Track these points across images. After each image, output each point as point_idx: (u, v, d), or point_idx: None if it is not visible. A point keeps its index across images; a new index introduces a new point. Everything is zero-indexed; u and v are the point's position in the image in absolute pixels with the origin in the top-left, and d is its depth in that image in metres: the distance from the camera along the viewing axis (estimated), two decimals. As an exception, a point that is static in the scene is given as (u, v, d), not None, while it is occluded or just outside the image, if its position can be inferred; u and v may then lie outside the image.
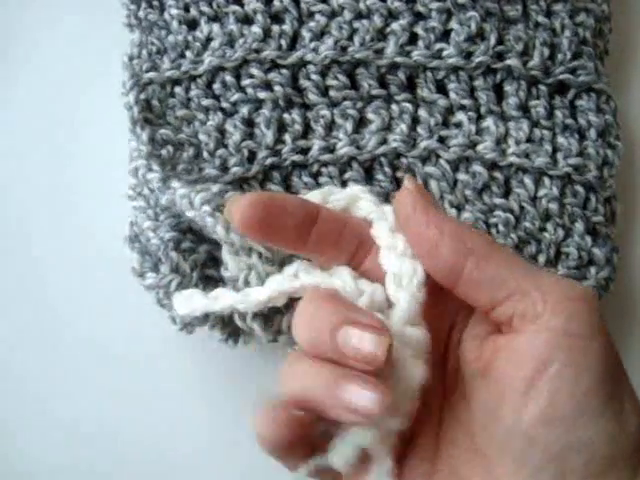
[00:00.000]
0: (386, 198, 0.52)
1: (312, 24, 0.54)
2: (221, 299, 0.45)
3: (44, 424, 0.55)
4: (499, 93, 0.55)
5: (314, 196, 0.45)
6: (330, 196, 0.45)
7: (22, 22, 0.62)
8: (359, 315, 0.38)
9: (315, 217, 0.42)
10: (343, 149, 0.53)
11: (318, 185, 0.53)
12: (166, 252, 0.49)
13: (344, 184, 0.53)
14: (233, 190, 0.48)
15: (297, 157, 0.52)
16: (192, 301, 0.46)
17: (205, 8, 0.54)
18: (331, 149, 0.53)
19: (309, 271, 0.43)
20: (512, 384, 0.37)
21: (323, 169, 0.53)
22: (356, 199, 0.44)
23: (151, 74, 0.53)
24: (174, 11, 0.55)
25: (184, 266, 0.49)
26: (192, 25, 0.55)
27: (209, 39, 0.54)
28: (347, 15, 0.54)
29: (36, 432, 0.55)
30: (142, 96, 0.53)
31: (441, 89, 0.54)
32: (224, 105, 0.53)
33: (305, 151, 0.53)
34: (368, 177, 0.53)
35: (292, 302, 0.43)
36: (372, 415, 0.36)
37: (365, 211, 0.44)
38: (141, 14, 0.55)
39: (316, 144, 0.53)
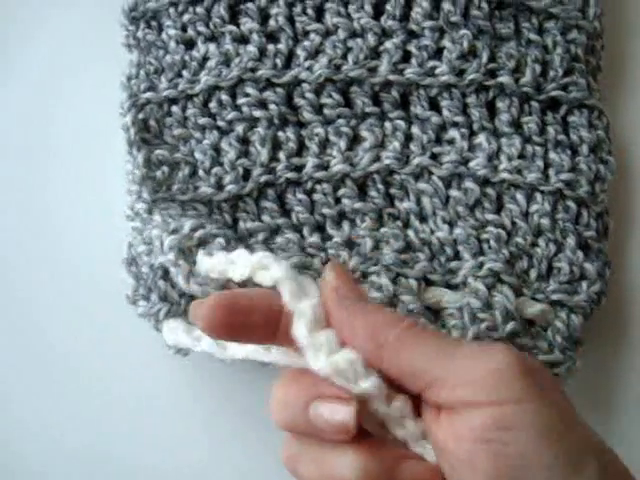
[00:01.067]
0: (379, 214, 0.53)
1: (307, 43, 0.55)
2: (202, 343, 0.46)
3: (40, 453, 0.56)
4: (491, 110, 0.55)
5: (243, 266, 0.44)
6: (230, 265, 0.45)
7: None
8: (324, 388, 0.40)
9: (281, 310, 0.42)
10: (337, 166, 0.53)
11: (312, 203, 0.53)
12: (155, 280, 0.50)
13: (338, 201, 0.54)
14: (209, 223, 0.50)
15: (291, 174, 0.53)
16: (177, 334, 0.47)
17: (202, 28, 0.55)
18: (325, 166, 0.54)
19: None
20: (457, 455, 0.38)
21: (317, 186, 0.54)
22: (261, 267, 0.44)
23: (148, 94, 0.54)
24: (172, 31, 0.56)
25: (172, 294, 0.50)
26: (189, 45, 0.56)
27: (205, 58, 0.55)
28: (341, 34, 0.55)
29: (33, 461, 0.56)
30: (140, 116, 0.54)
31: (434, 106, 0.55)
32: (220, 123, 0.54)
33: (299, 168, 0.54)
34: (361, 194, 0.54)
35: None
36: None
37: (271, 280, 0.43)
38: (139, 34, 0.56)
39: (310, 162, 0.53)
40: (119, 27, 0.57)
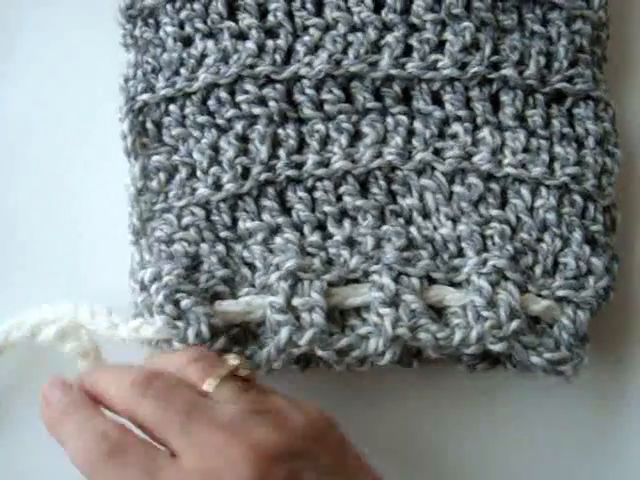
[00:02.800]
0: (381, 212, 0.52)
1: (306, 38, 0.54)
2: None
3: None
4: (495, 103, 0.54)
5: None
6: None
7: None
8: None
9: None
10: (338, 163, 0.52)
11: (313, 200, 0.53)
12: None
13: (339, 198, 0.53)
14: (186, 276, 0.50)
15: (291, 172, 0.52)
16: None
17: (200, 25, 0.55)
18: (326, 163, 0.53)
19: None
20: None
21: (318, 184, 0.53)
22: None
23: (145, 96, 0.54)
24: (169, 28, 0.55)
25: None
26: (187, 42, 0.55)
27: (204, 56, 0.54)
28: (341, 28, 0.54)
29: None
30: (139, 118, 0.54)
31: (436, 100, 0.54)
32: (219, 121, 0.54)
33: (300, 166, 0.53)
34: (363, 191, 0.53)
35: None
36: None
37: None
38: (137, 33, 0.55)
39: (310, 159, 0.53)
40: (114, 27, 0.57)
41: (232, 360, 0.46)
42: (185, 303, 0.48)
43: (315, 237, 0.52)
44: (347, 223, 0.52)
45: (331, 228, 0.52)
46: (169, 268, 0.49)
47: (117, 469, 0.41)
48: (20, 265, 0.57)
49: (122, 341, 0.49)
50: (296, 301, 0.49)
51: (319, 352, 0.49)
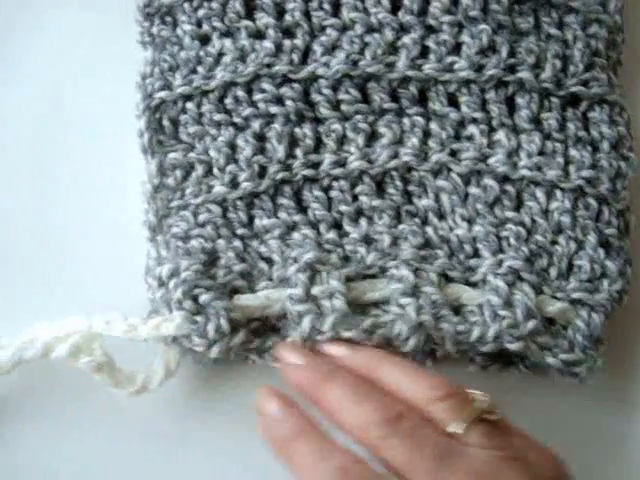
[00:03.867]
0: (397, 212, 0.53)
1: (323, 38, 0.54)
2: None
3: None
4: (511, 106, 0.54)
5: None
6: None
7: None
8: None
9: None
10: (354, 163, 0.53)
11: (329, 200, 0.53)
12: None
13: (355, 198, 0.53)
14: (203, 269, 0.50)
15: (308, 171, 0.53)
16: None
17: (217, 23, 0.55)
18: (342, 163, 0.53)
19: None
20: None
21: (334, 183, 0.53)
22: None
23: (162, 93, 0.54)
24: (187, 27, 0.55)
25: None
26: (204, 40, 0.55)
27: (221, 54, 0.54)
28: (358, 29, 0.54)
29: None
30: (156, 116, 0.54)
31: (453, 102, 0.54)
32: (236, 120, 0.54)
33: (316, 165, 0.53)
34: (379, 191, 0.53)
35: None
36: None
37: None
38: (154, 30, 0.56)
39: (327, 158, 0.53)
40: (131, 25, 0.57)
41: (481, 400, 0.44)
42: (204, 298, 0.49)
43: (331, 235, 0.52)
44: (363, 222, 0.52)
45: (347, 227, 0.52)
46: (187, 264, 0.49)
47: None
48: (27, 276, 0.57)
49: (144, 342, 0.49)
50: (315, 290, 0.49)
51: (346, 334, 0.48)
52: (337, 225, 0.53)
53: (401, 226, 0.52)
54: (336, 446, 0.43)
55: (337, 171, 0.53)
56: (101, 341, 0.50)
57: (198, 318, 0.48)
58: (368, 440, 0.43)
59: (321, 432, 0.44)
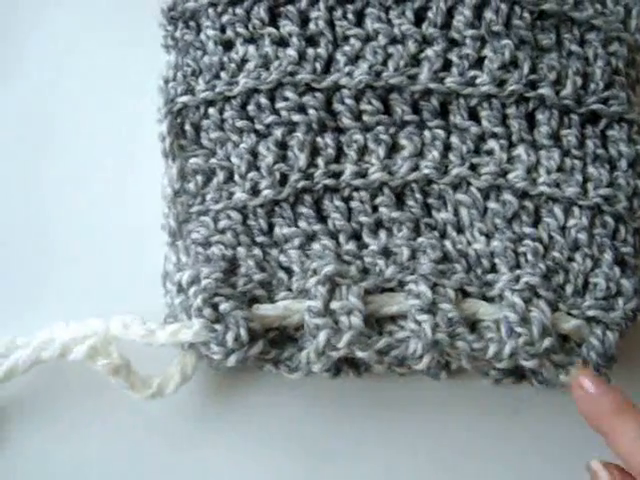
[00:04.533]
0: (416, 224, 0.53)
1: (347, 48, 0.54)
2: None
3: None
4: (531, 121, 0.55)
5: None
6: None
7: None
8: None
9: None
10: (375, 174, 0.53)
11: (349, 210, 0.53)
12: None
13: (375, 209, 0.53)
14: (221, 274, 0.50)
15: (329, 181, 0.53)
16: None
17: (241, 30, 0.55)
18: (363, 174, 0.53)
19: None
20: None
21: (354, 194, 0.53)
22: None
23: (185, 98, 0.54)
24: (210, 32, 0.55)
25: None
26: (228, 46, 0.55)
27: (244, 60, 0.55)
28: (382, 40, 0.55)
29: None
30: (178, 120, 0.54)
31: (473, 116, 0.55)
32: (258, 127, 0.54)
33: (337, 175, 0.53)
34: (399, 203, 0.53)
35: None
36: None
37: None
38: (178, 35, 0.56)
39: (348, 169, 0.53)
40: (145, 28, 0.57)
41: None
42: (224, 307, 0.49)
43: (351, 246, 0.52)
44: (382, 234, 0.53)
45: (366, 238, 0.53)
46: (207, 271, 0.50)
47: None
48: (47, 278, 0.57)
49: (160, 346, 0.50)
50: (334, 305, 0.49)
51: (359, 354, 0.49)
52: (356, 236, 0.53)
53: (420, 239, 0.52)
54: None
55: (358, 182, 0.53)
56: (117, 344, 0.50)
57: (217, 326, 0.49)
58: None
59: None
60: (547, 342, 0.49)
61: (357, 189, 0.53)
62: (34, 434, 0.54)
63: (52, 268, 0.57)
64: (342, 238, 0.53)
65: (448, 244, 0.53)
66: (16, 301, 0.56)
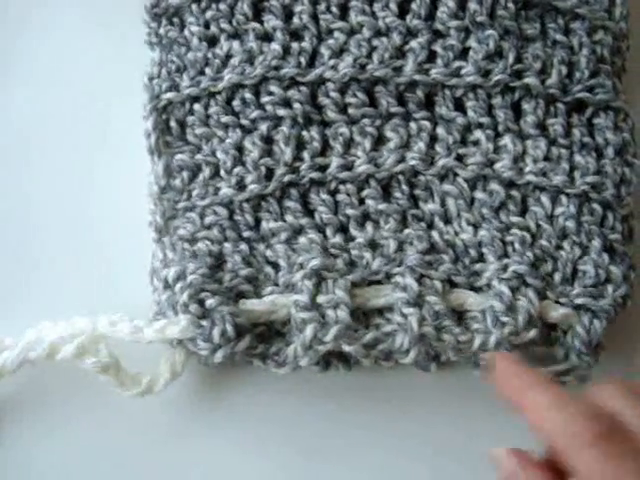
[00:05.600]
0: (403, 216, 0.53)
1: (331, 41, 0.54)
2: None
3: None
4: (517, 111, 0.55)
5: None
6: None
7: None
8: None
9: None
10: (361, 167, 0.53)
11: (336, 203, 0.53)
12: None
13: (362, 202, 0.53)
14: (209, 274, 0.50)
15: (315, 174, 0.53)
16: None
17: (225, 25, 0.55)
18: (349, 167, 0.53)
19: None
20: None
21: (341, 187, 0.53)
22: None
23: (170, 94, 0.54)
24: (194, 28, 0.55)
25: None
26: (212, 42, 0.55)
27: (229, 56, 0.54)
28: (366, 33, 0.54)
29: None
30: (163, 117, 0.54)
31: (459, 107, 0.55)
32: (243, 122, 0.54)
33: (323, 168, 0.53)
34: (386, 195, 0.53)
35: None
36: None
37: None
38: (162, 31, 0.56)
39: (334, 161, 0.53)
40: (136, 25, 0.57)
41: None
42: (210, 302, 0.49)
43: (337, 239, 0.52)
44: (369, 226, 0.53)
45: (353, 231, 0.53)
46: (193, 267, 0.50)
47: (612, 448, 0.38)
48: (34, 276, 0.57)
49: (148, 344, 0.50)
50: (321, 299, 0.49)
51: (346, 347, 0.49)
52: (343, 229, 0.53)
53: (407, 230, 0.52)
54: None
55: (344, 174, 0.53)
56: (106, 342, 0.50)
57: (204, 322, 0.49)
58: (564, 447, 0.40)
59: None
60: (532, 333, 0.49)
61: (343, 182, 0.53)
62: (22, 432, 0.54)
63: (38, 266, 0.57)
64: (329, 231, 0.52)
65: (435, 235, 0.52)
66: (1, 300, 0.56)
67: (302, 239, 0.52)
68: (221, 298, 0.49)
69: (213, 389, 0.55)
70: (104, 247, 0.57)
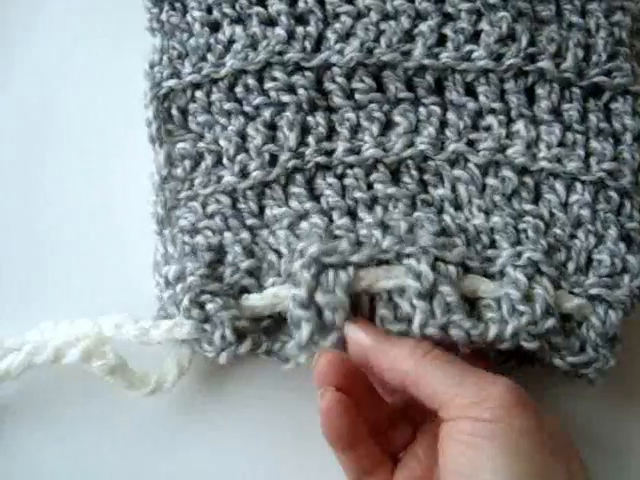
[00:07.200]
0: (412, 201, 0.51)
1: (337, 25, 0.53)
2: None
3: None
4: (530, 96, 0.53)
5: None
6: None
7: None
8: None
9: None
10: (369, 151, 0.51)
11: (343, 187, 0.51)
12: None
13: (370, 186, 0.52)
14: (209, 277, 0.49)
15: (321, 158, 0.51)
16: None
17: (228, 10, 0.53)
18: (356, 151, 0.51)
19: None
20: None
21: (348, 171, 0.52)
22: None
23: (171, 82, 0.52)
24: (196, 13, 0.54)
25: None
26: (214, 27, 0.54)
27: (231, 41, 0.53)
28: (374, 16, 0.53)
29: None
30: (164, 105, 0.53)
31: (470, 92, 0.53)
32: (246, 109, 0.52)
33: (329, 153, 0.52)
34: (394, 179, 0.52)
35: None
36: None
37: None
38: (163, 17, 0.54)
39: (341, 146, 0.51)
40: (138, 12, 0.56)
41: None
42: (210, 307, 0.48)
43: (344, 220, 0.50)
44: (379, 209, 0.51)
45: (361, 214, 0.51)
46: (192, 268, 0.49)
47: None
48: (38, 278, 0.56)
49: (157, 344, 0.49)
50: (319, 297, 0.47)
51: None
52: (351, 213, 0.51)
53: (417, 213, 0.51)
54: None
55: (351, 158, 0.51)
56: (112, 344, 0.49)
57: (206, 326, 0.48)
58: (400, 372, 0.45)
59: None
60: (550, 322, 0.47)
61: (351, 166, 0.52)
62: (27, 435, 0.53)
63: (39, 264, 0.56)
64: (335, 215, 0.51)
65: (447, 218, 0.51)
66: (3, 300, 0.55)
67: (304, 224, 0.50)
68: (221, 301, 0.48)
69: (219, 385, 0.54)
70: (107, 242, 0.56)
